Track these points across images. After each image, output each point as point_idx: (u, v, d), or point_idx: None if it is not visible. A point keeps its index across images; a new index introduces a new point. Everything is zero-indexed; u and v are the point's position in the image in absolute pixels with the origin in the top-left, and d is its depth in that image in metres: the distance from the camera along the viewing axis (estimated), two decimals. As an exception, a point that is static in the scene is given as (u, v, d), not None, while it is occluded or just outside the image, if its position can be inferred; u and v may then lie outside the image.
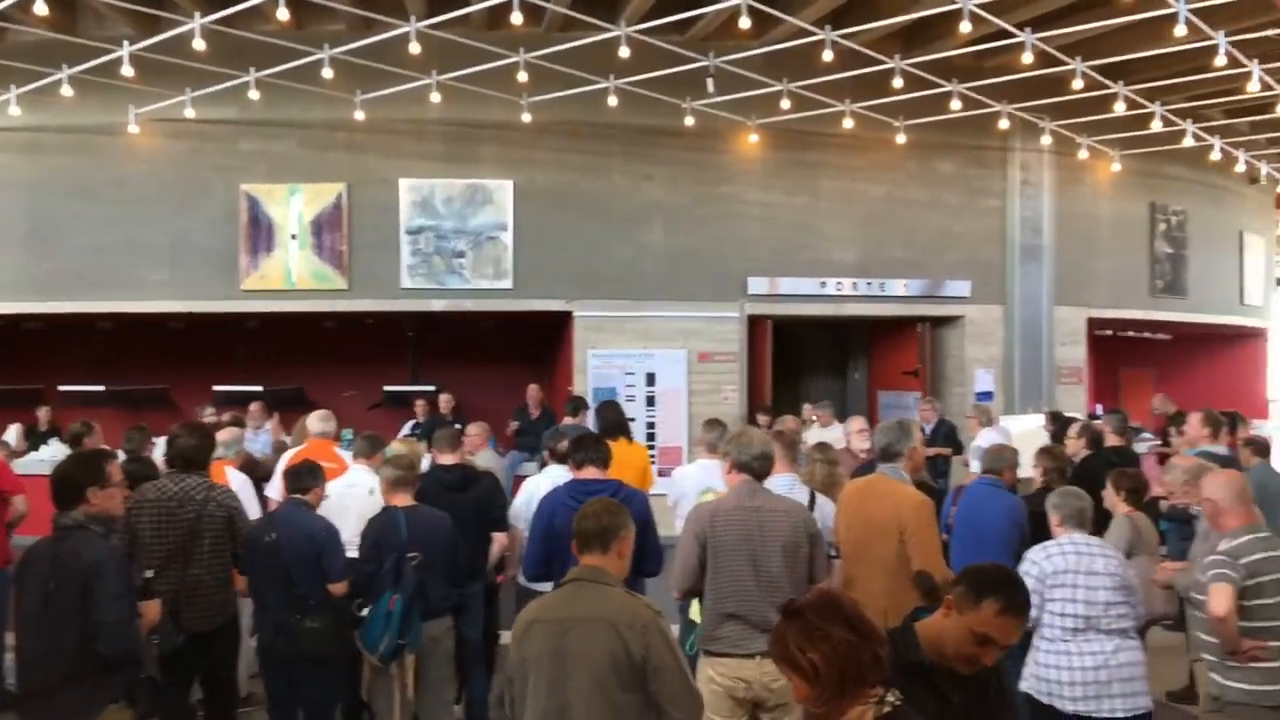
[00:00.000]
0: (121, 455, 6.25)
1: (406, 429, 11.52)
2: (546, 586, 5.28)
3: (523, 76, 9.65)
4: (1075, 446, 7.65)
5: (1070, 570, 4.63)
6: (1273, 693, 4.11)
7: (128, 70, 9.27)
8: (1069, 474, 6.58)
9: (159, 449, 7.00)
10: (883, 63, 9.63)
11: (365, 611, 5.18)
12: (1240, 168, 13.61)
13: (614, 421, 7.46)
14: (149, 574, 4.70)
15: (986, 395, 12.31)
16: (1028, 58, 9.07)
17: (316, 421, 7.41)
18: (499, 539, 6.14)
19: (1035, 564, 4.73)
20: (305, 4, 9.79)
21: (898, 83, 9.77)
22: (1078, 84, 9.65)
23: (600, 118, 10.67)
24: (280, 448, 8.90)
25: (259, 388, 11.73)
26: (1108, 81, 10.05)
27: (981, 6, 8.17)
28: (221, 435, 6.73)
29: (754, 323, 12.04)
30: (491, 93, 10.27)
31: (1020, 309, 12.78)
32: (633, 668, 3.26)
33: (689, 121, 10.89)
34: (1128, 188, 13.76)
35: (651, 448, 10.67)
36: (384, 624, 5.10)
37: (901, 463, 5.25)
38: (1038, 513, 5.38)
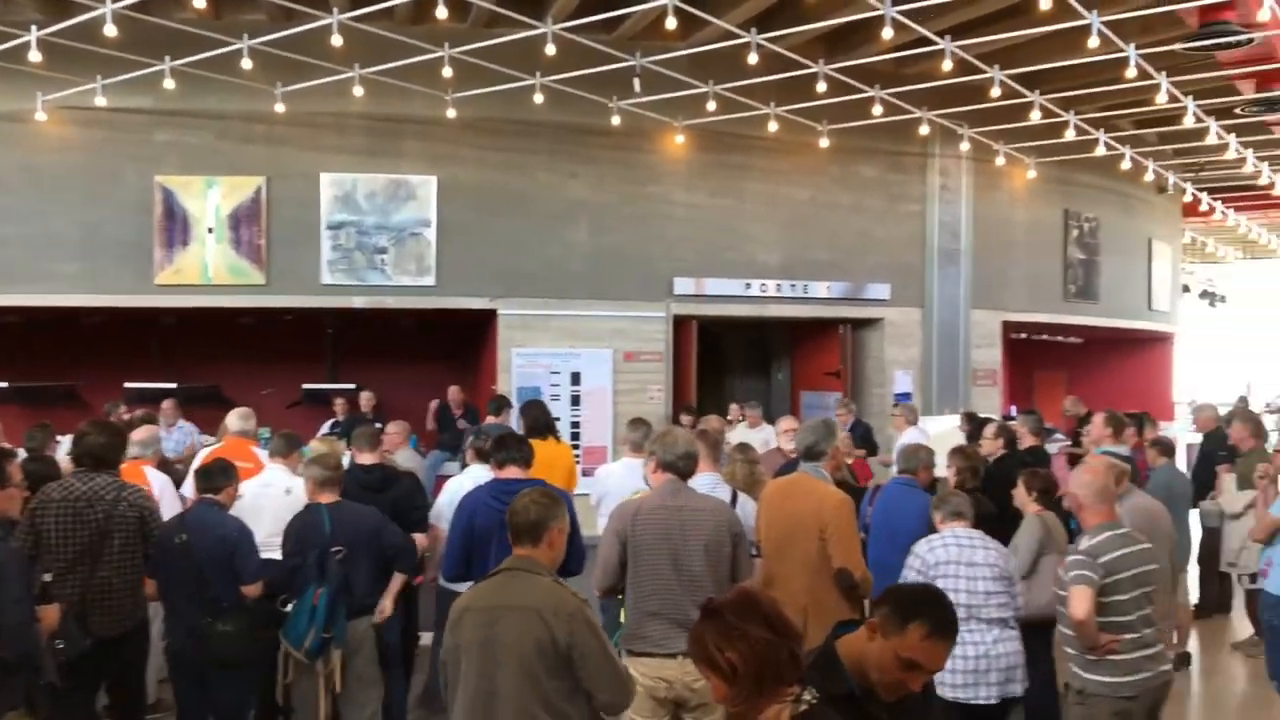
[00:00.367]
0: (22, 454, 6.04)
1: (326, 428, 11.34)
2: (466, 587, 5.26)
3: (448, 72, 9.54)
4: (991, 447, 7.81)
5: (953, 561, 4.95)
6: (1129, 683, 4.28)
7: (35, 56, 8.96)
8: (982, 474, 6.73)
9: (63, 448, 6.79)
10: (807, 67, 9.74)
11: (289, 607, 5.10)
12: (1149, 177, 14.06)
13: (540, 421, 7.40)
14: (47, 577, 4.56)
15: (905, 396, 12.53)
16: (947, 65, 9.23)
17: (235, 420, 7.27)
18: (418, 539, 6.08)
19: (919, 557, 5.03)
20: (224, -8, 9.59)
21: (821, 87, 9.89)
22: (995, 92, 9.87)
23: (526, 115, 10.60)
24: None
25: (173, 385, 11.44)
26: (1024, 90, 10.29)
27: (903, 13, 8.30)
28: (138, 434, 6.57)
29: (679, 323, 12.08)
30: (416, 87, 10.14)
31: (938, 312, 13.04)
32: (558, 654, 3.36)
33: (615, 121, 10.89)
34: (1043, 194, 14.13)
35: (576, 447, 10.63)
36: (309, 618, 5.04)
37: (824, 462, 5.34)
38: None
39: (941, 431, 10.22)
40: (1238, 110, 11.66)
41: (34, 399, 11.86)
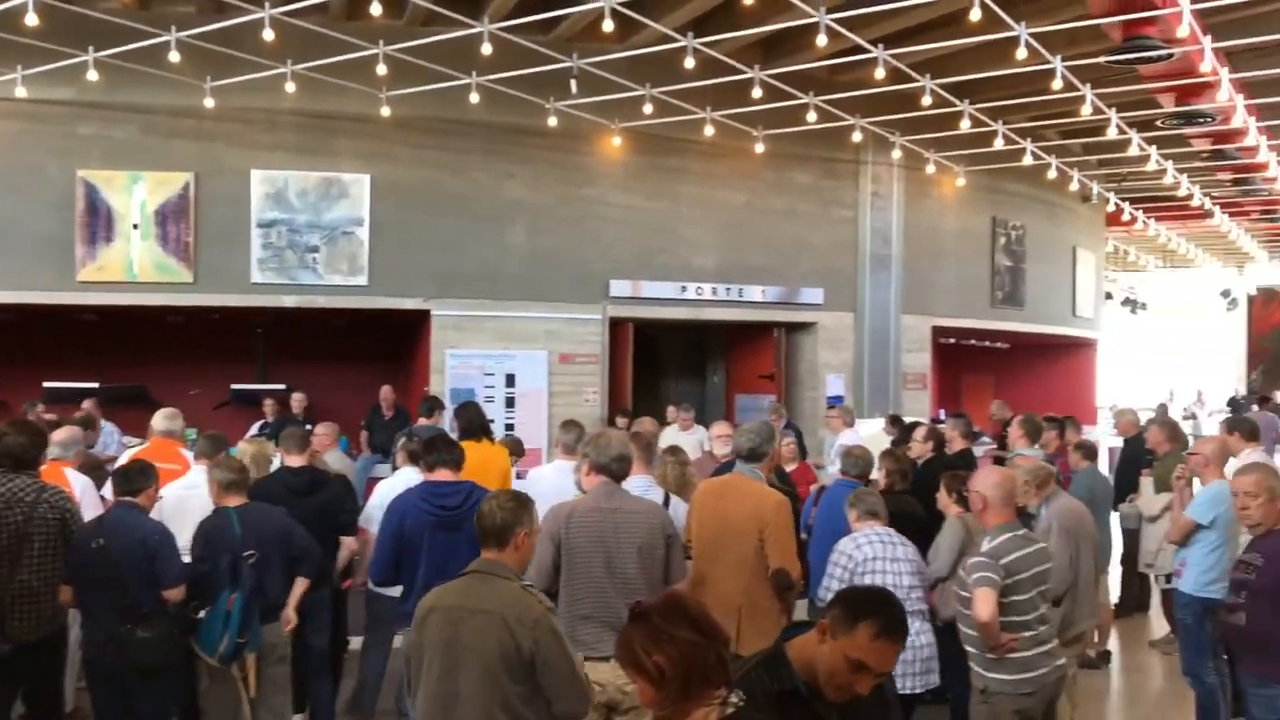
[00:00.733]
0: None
1: (254, 429, 11.12)
2: (395, 591, 5.20)
3: (382, 70, 9.43)
4: (921, 450, 7.91)
5: (879, 557, 5.19)
6: (1028, 680, 4.38)
7: (-49, 44, 8.70)
8: (911, 476, 6.83)
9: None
10: (743, 72, 9.81)
11: (202, 614, 4.99)
12: (1074, 186, 14.41)
13: (476, 423, 7.30)
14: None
15: (838, 399, 12.67)
16: (880, 73, 9.37)
17: (161, 420, 7.08)
18: (347, 543, 5.99)
19: (847, 554, 5.21)
20: (151, -17, 9.37)
21: (757, 93, 9.97)
22: (926, 101, 10.02)
23: (462, 114, 10.53)
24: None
25: (94, 384, 11.14)
26: (954, 100, 10.48)
27: (837, 21, 8.40)
28: (58, 435, 6.37)
29: (615, 325, 12.09)
30: (350, 84, 10.00)
31: (870, 317, 13.24)
32: (521, 661, 3.37)
33: (552, 122, 10.85)
34: (971, 202, 14.41)
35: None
36: (223, 624, 4.94)
37: (763, 464, 5.40)
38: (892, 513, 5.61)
39: (869, 435, 10.34)
40: (1159, 123, 12.01)
41: (-53, 399, 11.46)
